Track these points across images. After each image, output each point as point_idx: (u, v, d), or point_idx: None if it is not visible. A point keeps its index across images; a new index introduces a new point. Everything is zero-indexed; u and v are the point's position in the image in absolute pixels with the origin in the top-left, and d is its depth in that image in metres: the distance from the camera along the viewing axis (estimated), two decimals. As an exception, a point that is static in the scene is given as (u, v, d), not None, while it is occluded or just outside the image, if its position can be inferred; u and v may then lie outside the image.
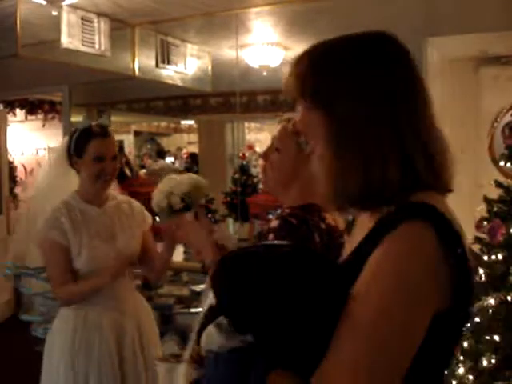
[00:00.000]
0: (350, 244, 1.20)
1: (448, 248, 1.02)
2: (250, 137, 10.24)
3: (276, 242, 1.58)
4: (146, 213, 2.82)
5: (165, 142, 11.19)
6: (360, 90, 1.09)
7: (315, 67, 1.13)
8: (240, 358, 1.08)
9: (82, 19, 4.17)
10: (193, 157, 8.95)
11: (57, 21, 3.97)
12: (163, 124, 10.95)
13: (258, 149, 11.17)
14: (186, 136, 11.54)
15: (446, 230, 1.03)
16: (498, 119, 3.82)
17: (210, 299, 1.23)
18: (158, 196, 2.22)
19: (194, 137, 11.05)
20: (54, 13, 3.70)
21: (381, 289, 1.00)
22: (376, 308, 0.99)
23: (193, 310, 4.11)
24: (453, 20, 3.89)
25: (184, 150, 7.91)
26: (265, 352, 1.06)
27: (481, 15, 3.74)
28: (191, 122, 10.60)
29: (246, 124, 8.73)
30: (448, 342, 1.11)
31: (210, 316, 1.13)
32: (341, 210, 1.23)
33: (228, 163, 8.42)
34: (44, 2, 3.57)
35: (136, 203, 2.80)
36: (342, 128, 1.09)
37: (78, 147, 2.55)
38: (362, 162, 1.08)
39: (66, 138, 2.69)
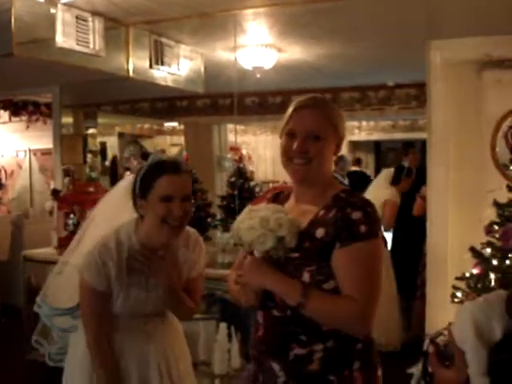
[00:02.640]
0: None
1: None
2: (236, 139, 10.14)
3: None
4: (203, 255, 2.45)
5: (148, 144, 11.08)
6: None
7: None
8: None
9: (77, 18, 4.06)
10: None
11: (51, 19, 3.85)
12: (146, 126, 10.84)
13: (245, 151, 11.18)
14: (168, 138, 11.44)
15: None
16: (502, 123, 3.81)
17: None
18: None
19: (177, 139, 10.97)
20: (53, 10, 3.58)
21: None
22: None
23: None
24: (456, 23, 3.87)
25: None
26: None
27: (484, 18, 3.73)
28: (175, 124, 10.51)
29: (232, 126, 8.66)
30: None
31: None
32: None
33: (216, 165, 8.37)
34: (41, 0, 3.45)
35: (197, 245, 2.42)
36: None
37: (143, 185, 2.19)
38: None
39: (132, 176, 2.33)
